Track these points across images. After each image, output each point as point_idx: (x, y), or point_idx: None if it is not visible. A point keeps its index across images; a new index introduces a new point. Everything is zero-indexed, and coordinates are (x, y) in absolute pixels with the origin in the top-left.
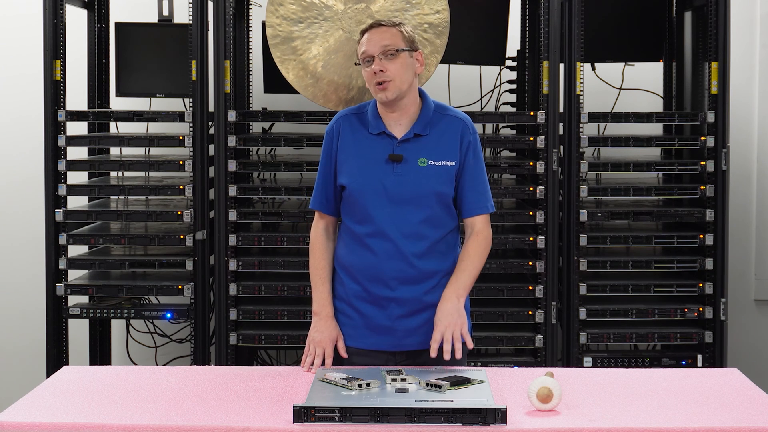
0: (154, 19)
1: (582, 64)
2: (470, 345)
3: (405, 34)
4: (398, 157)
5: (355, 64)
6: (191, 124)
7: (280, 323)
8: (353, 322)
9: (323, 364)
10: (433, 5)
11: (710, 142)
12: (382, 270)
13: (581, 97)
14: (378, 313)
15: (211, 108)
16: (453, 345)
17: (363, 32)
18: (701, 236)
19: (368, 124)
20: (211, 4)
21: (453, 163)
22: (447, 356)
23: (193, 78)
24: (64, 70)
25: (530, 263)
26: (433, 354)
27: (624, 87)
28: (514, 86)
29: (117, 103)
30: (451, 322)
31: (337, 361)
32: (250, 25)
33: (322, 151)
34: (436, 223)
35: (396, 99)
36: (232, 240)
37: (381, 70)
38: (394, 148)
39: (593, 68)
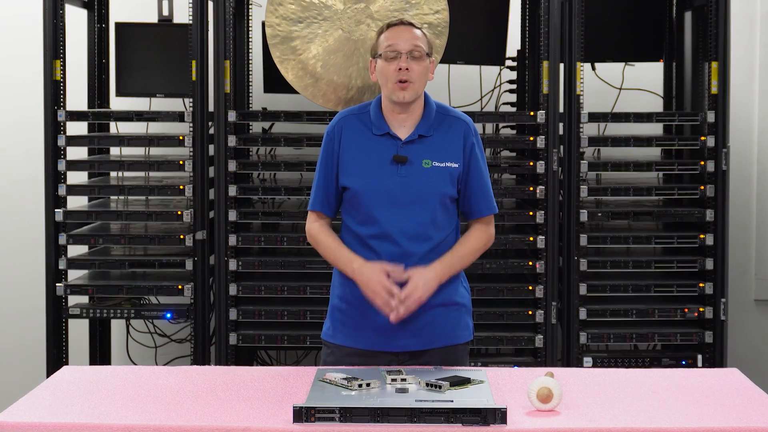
0: (154, 19)
1: (582, 64)
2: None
3: (429, 39)
4: (403, 159)
5: (376, 56)
6: (191, 124)
7: (280, 323)
8: (356, 323)
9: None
10: (432, 5)
11: (710, 142)
12: None
13: (581, 97)
14: (381, 313)
15: (211, 108)
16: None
17: (389, 26)
18: (701, 236)
19: (371, 125)
20: (211, 4)
21: (456, 165)
22: (395, 314)
23: (193, 78)
24: (64, 70)
25: (530, 263)
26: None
27: (624, 87)
28: (514, 86)
29: (117, 103)
30: (421, 291)
31: (343, 361)
32: (250, 25)
33: (322, 152)
34: (439, 224)
35: (411, 101)
36: (232, 240)
37: (407, 69)
38: (399, 149)
39: (593, 68)
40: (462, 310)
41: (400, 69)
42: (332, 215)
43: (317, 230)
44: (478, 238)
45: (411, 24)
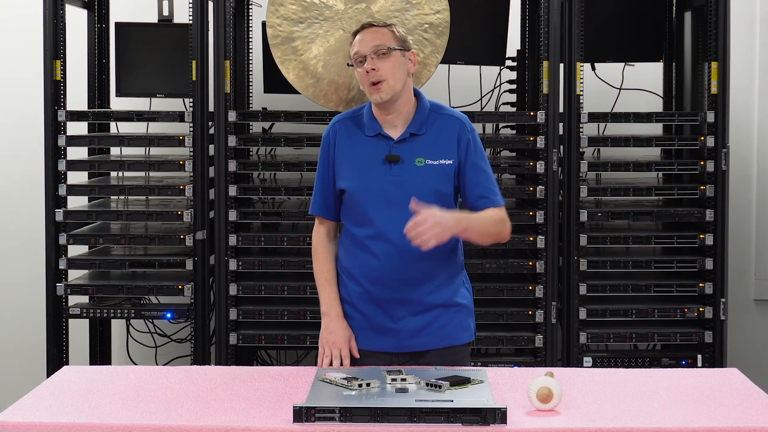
0: (154, 19)
1: (582, 64)
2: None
3: (396, 33)
4: (395, 158)
5: (348, 65)
6: (191, 124)
7: (280, 323)
8: (356, 324)
9: (341, 364)
10: (433, 5)
11: (710, 142)
12: (384, 272)
13: (581, 97)
14: (381, 314)
15: (211, 108)
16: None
17: (354, 34)
18: (701, 236)
19: (364, 127)
20: (211, 4)
21: (450, 162)
22: (411, 233)
23: (193, 78)
24: (64, 70)
25: (530, 263)
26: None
27: (624, 87)
28: (514, 86)
29: (117, 103)
30: (436, 223)
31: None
32: (250, 25)
33: (320, 157)
34: None
35: (391, 100)
36: (232, 240)
37: (373, 69)
38: (391, 149)
39: (593, 68)
40: (463, 311)
41: (367, 72)
42: (333, 219)
43: (318, 244)
44: (491, 211)
45: (371, 24)
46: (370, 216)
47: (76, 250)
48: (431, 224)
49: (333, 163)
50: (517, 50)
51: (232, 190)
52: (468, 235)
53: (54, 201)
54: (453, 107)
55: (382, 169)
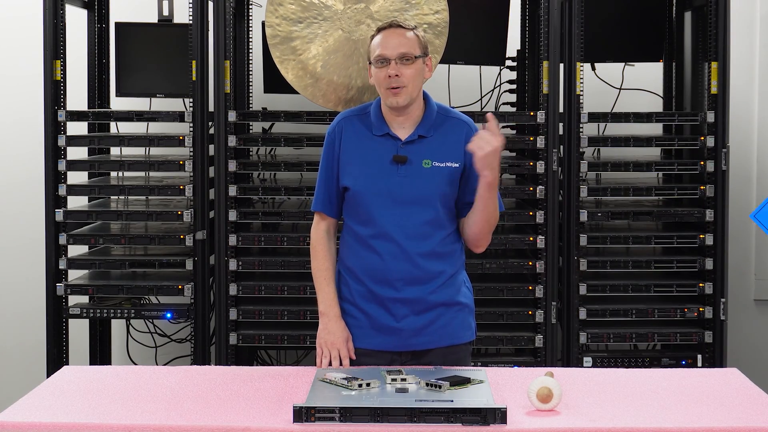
0: (154, 19)
1: (582, 64)
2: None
3: (421, 39)
4: (402, 159)
5: (369, 62)
6: (191, 124)
7: (280, 323)
8: (358, 323)
9: (340, 364)
10: (432, 5)
11: (710, 142)
12: (387, 271)
13: (581, 97)
14: (383, 313)
15: (211, 108)
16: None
17: (379, 30)
18: (701, 236)
19: (371, 126)
20: (211, 4)
21: (457, 165)
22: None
23: (193, 78)
24: (64, 70)
25: (530, 263)
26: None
27: (624, 87)
28: (514, 86)
29: (117, 103)
30: (496, 150)
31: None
32: (250, 25)
33: (324, 153)
34: (439, 224)
35: (406, 105)
36: (232, 240)
37: (396, 75)
38: (399, 150)
39: (593, 68)
40: (465, 310)
41: (389, 76)
42: (335, 216)
43: (318, 242)
44: None
45: (400, 26)
46: (375, 215)
47: (76, 250)
48: (495, 148)
49: (338, 160)
50: (517, 50)
51: (232, 190)
52: (492, 194)
53: (54, 201)
54: (453, 107)
55: (389, 169)
